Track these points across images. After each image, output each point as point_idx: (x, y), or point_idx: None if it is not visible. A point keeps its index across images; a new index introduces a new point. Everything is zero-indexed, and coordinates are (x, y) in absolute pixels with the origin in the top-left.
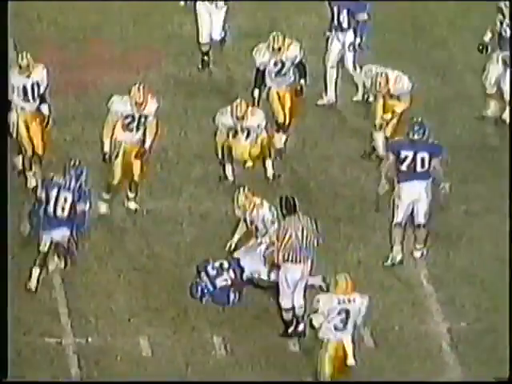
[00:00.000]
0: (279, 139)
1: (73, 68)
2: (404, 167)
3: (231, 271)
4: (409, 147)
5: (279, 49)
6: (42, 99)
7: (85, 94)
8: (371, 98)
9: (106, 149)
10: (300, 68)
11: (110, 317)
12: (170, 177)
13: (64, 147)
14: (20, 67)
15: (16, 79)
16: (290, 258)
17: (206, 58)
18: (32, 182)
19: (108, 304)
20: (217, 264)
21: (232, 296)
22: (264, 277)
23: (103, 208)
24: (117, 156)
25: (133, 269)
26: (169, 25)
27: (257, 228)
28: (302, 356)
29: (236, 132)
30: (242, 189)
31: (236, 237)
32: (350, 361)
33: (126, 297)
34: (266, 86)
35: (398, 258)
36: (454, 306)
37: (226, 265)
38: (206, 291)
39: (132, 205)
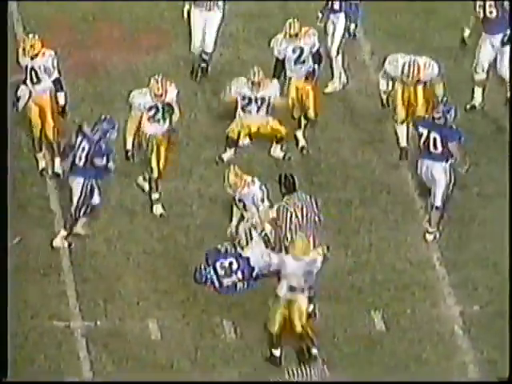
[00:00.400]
0: (300, 136)
1: (82, 49)
2: (421, 144)
3: (239, 272)
4: (426, 125)
5: (296, 35)
6: (57, 87)
7: (94, 75)
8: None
9: (129, 146)
10: (316, 57)
11: (118, 300)
12: (179, 159)
13: (73, 129)
14: (24, 49)
15: (23, 60)
16: (291, 237)
17: (196, 67)
18: (42, 164)
19: (117, 287)
20: (226, 263)
21: (239, 287)
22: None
23: (158, 210)
24: (152, 151)
25: (142, 252)
26: (178, 5)
27: (245, 206)
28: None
29: (250, 101)
30: (232, 167)
31: (234, 220)
32: (298, 328)
33: (135, 280)
34: (285, 76)
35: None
36: (467, 289)
37: (235, 265)
38: (210, 283)
39: (158, 209)
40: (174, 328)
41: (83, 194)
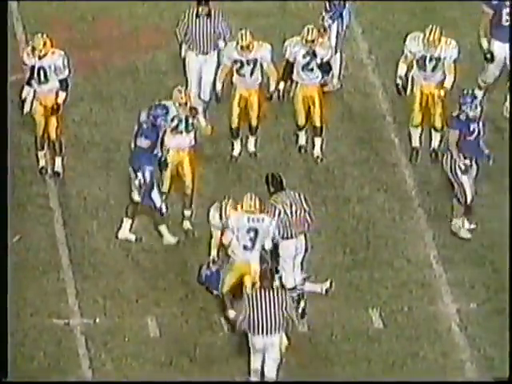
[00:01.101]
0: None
1: (81, 48)
2: (472, 138)
3: None
4: (473, 120)
5: (312, 41)
6: (63, 86)
7: (93, 74)
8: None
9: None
10: (325, 67)
11: (117, 297)
12: None
13: (72, 128)
14: (33, 48)
15: (30, 60)
16: (282, 235)
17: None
18: (42, 162)
19: (116, 285)
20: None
21: None
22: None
23: (187, 225)
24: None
25: (141, 249)
26: (177, 5)
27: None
28: (310, 336)
29: (242, 64)
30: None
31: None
32: (248, 290)
33: (134, 277)
34: (292, 81)
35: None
36: (464, 287)
37: None
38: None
39: (187, 224)
40: (173, 325)
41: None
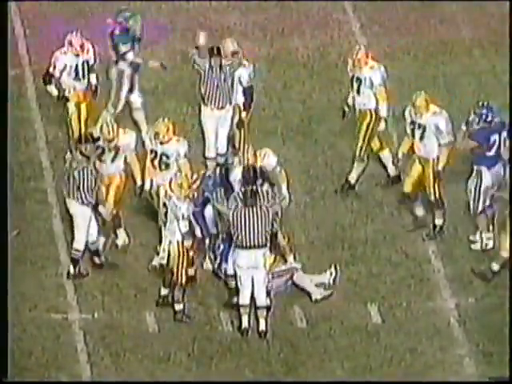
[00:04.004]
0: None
1: None
2: (492, 152)
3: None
4: (494, 131)
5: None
6: (90, 71)
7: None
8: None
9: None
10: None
11: (116, 293)
12: None
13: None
14: (71, 44)
15: (68, 59)
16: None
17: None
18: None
19: (114, 280)
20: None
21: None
22: None
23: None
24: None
25: (139, 244)
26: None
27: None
28: (308, 331)
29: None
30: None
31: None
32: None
33: (132, 273)
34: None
35: (490, 244)
36: (462, 282)
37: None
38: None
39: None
40: (171, 321)
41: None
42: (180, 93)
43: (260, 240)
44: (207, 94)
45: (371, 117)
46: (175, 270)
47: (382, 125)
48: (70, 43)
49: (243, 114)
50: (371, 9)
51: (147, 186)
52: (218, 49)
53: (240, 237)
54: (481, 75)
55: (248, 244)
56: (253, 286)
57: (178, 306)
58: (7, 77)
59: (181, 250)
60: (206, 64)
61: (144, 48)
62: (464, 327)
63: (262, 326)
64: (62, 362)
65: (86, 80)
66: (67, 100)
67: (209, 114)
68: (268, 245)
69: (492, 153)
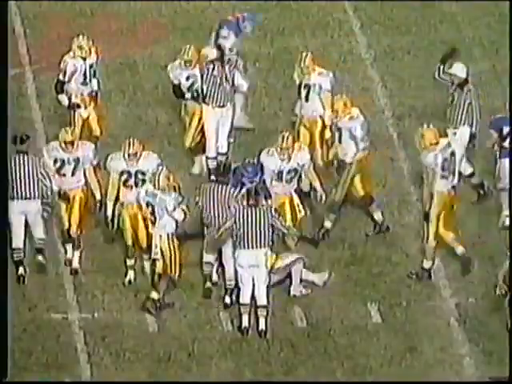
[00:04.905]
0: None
1: None
2: (506, 143)
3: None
4: (507, 122)
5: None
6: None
7: None
8: None
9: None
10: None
11: (116, 292)
12: (175, 152)
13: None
14: (80, 48)
15: (77, 62)
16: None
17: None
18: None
19: (114, 279)
20: None
21: None
22: None
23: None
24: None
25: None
26: None
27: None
28: (309, 331)
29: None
30: None
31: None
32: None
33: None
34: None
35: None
36: (462, 282)
37: None
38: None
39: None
40: (171, 320)
41: None
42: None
43: (261, 240)
44: (208, 92)
45: (323, 123)
46: (168, 263)
47: (328, 133)
48: (80, 47)
49: None
50: (371, 8)
51: (109, 213)
52: (219, 47)
53: (241, 236)
54: (481, 75)
55: (249, 244)
56: (253, 285)
57: (154, 294)
58: (7, 76)
59: (171, 243)
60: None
61: (144, 48)
62: (464, 327)
63: (262, 326)
64: (62, 362)
65: (91, 84)
66: (78, 106)
67: (210, 113)
68: (269, 244)
69: (506, 144)
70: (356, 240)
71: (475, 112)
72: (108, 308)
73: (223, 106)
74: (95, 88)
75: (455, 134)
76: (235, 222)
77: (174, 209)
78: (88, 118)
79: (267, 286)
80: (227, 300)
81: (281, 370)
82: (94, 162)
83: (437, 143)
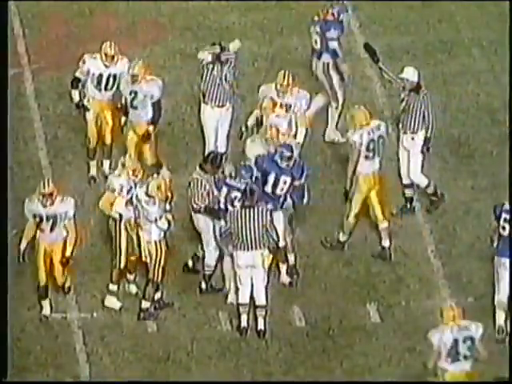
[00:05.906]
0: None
1: (79, 42)
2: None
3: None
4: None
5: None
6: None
7: None
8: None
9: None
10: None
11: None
12: (175, 152)
13: (70, 122)
14: (106, 54)
15: (95, 65)
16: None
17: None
18: (92, 171)
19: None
20: None
21: None
22: None
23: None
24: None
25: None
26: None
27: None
28: (308, 331)
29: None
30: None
31: None
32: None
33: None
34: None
35: None
36: (461, 282)
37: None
38: None
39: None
40: (170, 320)
41: None
42: (179, 93)
43: (258, 241)
44: (207, 91)
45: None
46: (152, 268)
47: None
48: (106, 54)
49: (150, 128)
50: (370, 8)
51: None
52: (220, 46)
53: (238, 238)
54: (480, 75)
55: (246, 245)
56: (252, 285)
57: (145, 304)
58: (7, 76)
59: (158, 248)
60: (207, 61)
61: (143, 48)
62: None
63: (261, 326)
64: (61, 362)
65: (108, 92)
66: (87, 109)
67: (209, 112)
68: (266, 245)
69: None
70: (355, 239)
71: (432, 116)
72: (107, 308)
73: (222, 106)
74: (110, 97)
75: (413, 139)
76: (231, 223)
77: (160, 218)
78: (101, 125)
79: (266, 286)
80: (203, 285)
81: (280, 369)
82: (72, 219)
83: (367, 124)
